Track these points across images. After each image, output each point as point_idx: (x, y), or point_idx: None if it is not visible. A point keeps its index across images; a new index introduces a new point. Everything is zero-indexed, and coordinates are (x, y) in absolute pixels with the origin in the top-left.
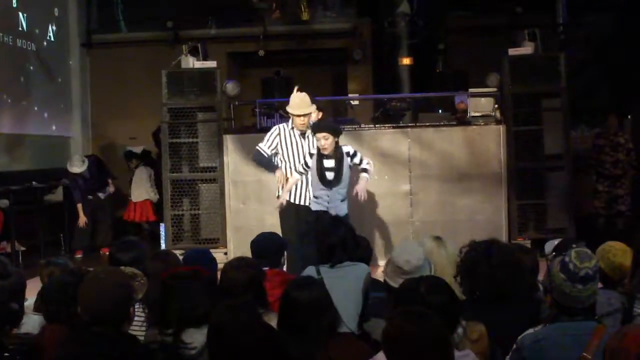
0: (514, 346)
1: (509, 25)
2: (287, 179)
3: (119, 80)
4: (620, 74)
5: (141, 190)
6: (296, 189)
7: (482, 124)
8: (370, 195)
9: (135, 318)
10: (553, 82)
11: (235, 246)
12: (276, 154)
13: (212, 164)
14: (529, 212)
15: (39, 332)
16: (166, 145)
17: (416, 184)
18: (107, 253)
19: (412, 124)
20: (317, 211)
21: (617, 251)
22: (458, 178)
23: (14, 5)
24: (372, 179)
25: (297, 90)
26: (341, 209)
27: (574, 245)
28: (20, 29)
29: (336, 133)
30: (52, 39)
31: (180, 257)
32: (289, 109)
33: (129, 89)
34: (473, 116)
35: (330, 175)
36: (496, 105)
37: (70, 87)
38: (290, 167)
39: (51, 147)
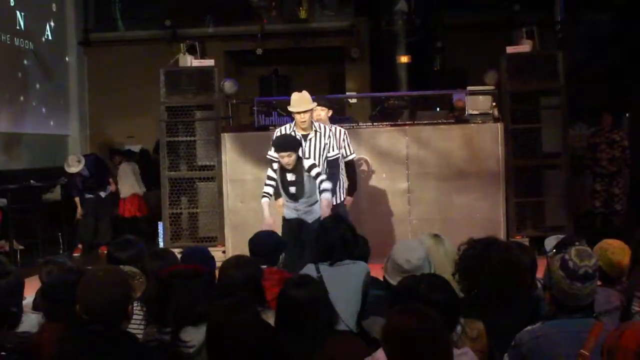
0: (513, 343)
1: (507, 23)
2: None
3: (116, 79)
4: (619, 72)
5: (127, 185)
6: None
7: (480, 121)
8: (369, 193)
9: (134, 316)
10: (551, 80)
11: (233, 244)
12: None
13: (210, 163)
14: (527, 210)
15: (38, 330)
16: (164, 143)
17: (414, 182)
18: (106, 251)
19: (410, 122)
20: (291, 219)
21: (615, 249)
22: (456, 176)
23: (12, 4)
24: (370, 177)
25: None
26: (312, 215)
27: (577, 243)
28: (18, 27)
29: (297, 149)
30: (50, 37)
31: (179, 256)
32: (289, 107)
33: (126, 87)
34: (471, 114)
35: (293, 189)
36: (494, 103)
37: (68, 86)
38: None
39: (49, 146)
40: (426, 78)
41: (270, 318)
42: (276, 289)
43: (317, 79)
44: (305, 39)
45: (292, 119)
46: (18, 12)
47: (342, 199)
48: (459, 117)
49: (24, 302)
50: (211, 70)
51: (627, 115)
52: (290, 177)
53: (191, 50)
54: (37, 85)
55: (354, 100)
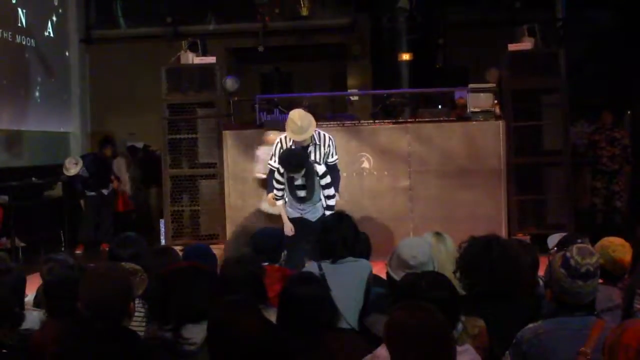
0: (514, 341)
1: (508, 21)
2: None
3: (118, 76)
4: (620, 70)
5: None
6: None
7: (482, 119)
8: (370, 191)
9: (136, 314)
10: (552, 77)
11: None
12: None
13: (211, 160)
14: (528, 207)
15: (39, 327)
16: (166, 141)
17: (416, 180)
18: (107, 249)
19: (411, 120)
20: (293, 218)
21: (616, 247)
22: (457, 173)
23: (13, 2)
24: (371, 174)
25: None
26: (314, 214)
27: (579, 241)
28: (19, 24)
29: (304, 165)
30: (51, 35)
31: (180, 253)
32: (288, 133)
33: (128, 84)
34: (472, 112)
35: (301, 193)
36: (496, 101)
37: (69, 83)
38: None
39: (50, 143)
40: (428, 75)
41: (271, 316)
42: (277, 287)
43: (319, 76)
44: (307, 37)
45: None
46: (19, 9)
47: None
48: (461, 114)
49: (26, 299)
50: (213, 67)
51: (628, 112)
52: (299, 181)
53: (193, 48)
54: (39, 83)
55: (355, 98)
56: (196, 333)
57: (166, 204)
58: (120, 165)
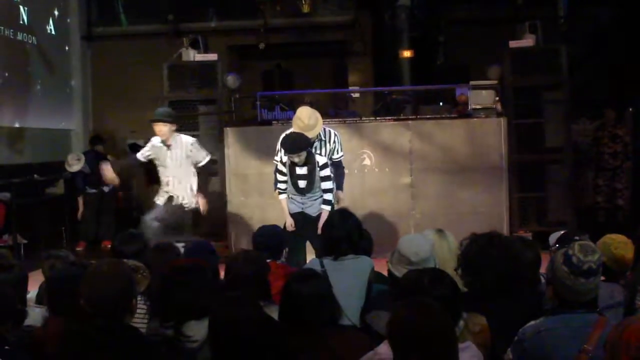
0: (516, 338)
1: (510, 18)
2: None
3: (119, 73)
4: (622, 67)
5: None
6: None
7: (483, 116)
8: (371, 188)
9: (138, 310)
10: (554, 74)
11: (236, 239)
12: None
13: (213, 157)
14: (529, 204)
15: (42, 324)
16: None
17: (417, 177)
18: (110, 246)
19: (413, 117)
20: (294, 213)
21: (618, 244)
22: (459, 171)
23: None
24: (373, 171)
25: (305, 105)
26: (314, 209)
27: (576, 238)
28: (21, 22)
29: (306, 149)
30: (53, 32)
31: (182, 250)
32: (294, 129)
33: (129, 82)
34: (474, 109)
35: (302, 183)
36: (497, 98)
37: (71, 81)
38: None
39: (52, 140)
40: (429, 72)
41: (273, 312)
42: (279, 283)
43: (320, 73)
44: (308, 34)
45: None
46: (21, 7)
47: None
48: (462, 111)
49: (28, 296)
50: (214, 64)
51: (630, 110)
52: (300, 170)
53: (194, 45)
54: (40, 80)
55: (356, 95)
56: (198, 330)
57: None
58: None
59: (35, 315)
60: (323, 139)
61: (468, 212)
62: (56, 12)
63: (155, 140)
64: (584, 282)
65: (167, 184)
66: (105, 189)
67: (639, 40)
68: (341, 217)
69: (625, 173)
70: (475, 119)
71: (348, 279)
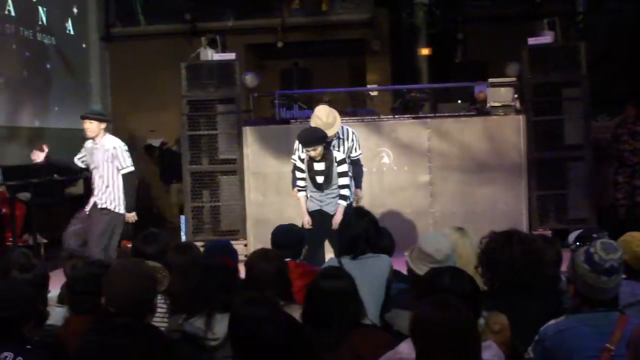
0: (536, 337)
1: (528, 14)
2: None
3: (138, 73)
4: None
5: None
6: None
7: (502, 114)
8: (390, 187)
9: (158, 310)
10: (573, 71)
11: (255, 238)
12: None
13: (231, 156)
14: (549, 202)
15: (63, 324)
16: (186, 137)
17: (436, 175)
18: (129, 245)
19: (431, 115)
20: (313, 211)
21: (639, 241)
22: (478, 168)
23: (34, 0)
24: (391, 170)
25: (323, 103)
26: (332, 206)
27: (594, 235)
28: (40, 23)
29: (322, 142)
30: (72, 32)
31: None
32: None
33: (148, 81)
34: (492, 106)
35: (320, 179)
36: (516, 95)
37: (89, 81)
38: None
39: (72, 140)
40: (447, 70)
41: (294, 312)
42: (299, 282)
43: (338, 72)
44: (326, 32)
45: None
46: (40, 8)
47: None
48: (481, 109)
49: (49, 295)
50: (232, 63)
51: None
52: (318, 166)
53: (212, 44)
54: (59, 80)
55: (375, 93)
56: (218, 329)
57: (187, 200)
58: None
59: (57, 314)
60: (341, 137)
61: (487, 210)
62: (75, 12)
63: (87, 143)
64: (605, 280)
65: (94, 187)
66: None
67: None
68: (357, 215)
69: None
70: (494, 117)
71: (367, 278)
